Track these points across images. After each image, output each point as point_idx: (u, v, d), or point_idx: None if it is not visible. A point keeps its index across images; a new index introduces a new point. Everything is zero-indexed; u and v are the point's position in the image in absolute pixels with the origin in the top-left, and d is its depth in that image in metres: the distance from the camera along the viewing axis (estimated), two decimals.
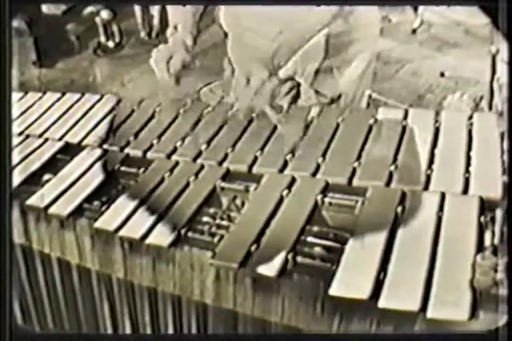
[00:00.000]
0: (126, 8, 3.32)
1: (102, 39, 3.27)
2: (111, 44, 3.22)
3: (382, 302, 0.98)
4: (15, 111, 1.73)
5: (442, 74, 2.84)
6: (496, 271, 1.01)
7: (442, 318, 0.95)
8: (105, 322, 1.34)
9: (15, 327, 1.66)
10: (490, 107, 2.29)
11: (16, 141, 1.59)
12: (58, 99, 1.78)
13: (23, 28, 3.39)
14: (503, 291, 0.99)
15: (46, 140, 1.58)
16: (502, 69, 2.31)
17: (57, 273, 1.39)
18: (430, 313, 0.96)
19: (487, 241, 1.07)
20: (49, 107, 1.73)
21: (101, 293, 1.31)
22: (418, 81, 2.69)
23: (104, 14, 3.25)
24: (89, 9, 3.30)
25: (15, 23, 3.45)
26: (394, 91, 2.61)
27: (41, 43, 3.25)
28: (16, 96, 1.83)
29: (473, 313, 0.95)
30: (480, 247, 1.05)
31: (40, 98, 1.80)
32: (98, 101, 1.74)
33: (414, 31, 3.39)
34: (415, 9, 3.39)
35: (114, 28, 3.29)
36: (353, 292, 1.00)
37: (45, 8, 3.67)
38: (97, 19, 3.30)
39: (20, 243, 1.41)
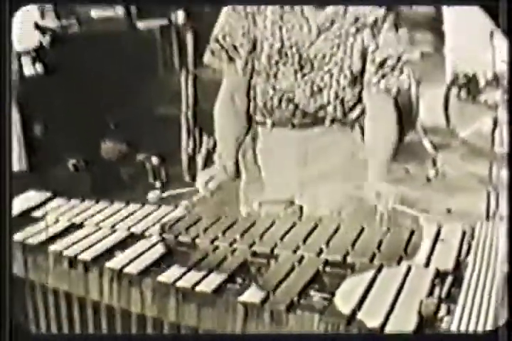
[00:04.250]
0: (175, 155, 4.14)
1: (150, 180, 4.04)
2: (158, 184, 3.98)
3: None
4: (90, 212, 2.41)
5: (449, 211, 3.47)
6: (438, 309, 1.61)
7: (395, 331, 1.54)
8: None
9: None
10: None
11: (89, 230, 2.26)
12: (124, 207, 2.47)
13: (81, 166, 4.19)
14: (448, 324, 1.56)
15: (115, 230, 2.25)
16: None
17: (120, 323, 1.99)
18: (387, 329, 1.55)
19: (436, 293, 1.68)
20: (118, 210, 2.42)
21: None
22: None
23: (155, 161, 4.06)
24: (142, 156, 4.10)
25: (74, 161, 4.25)
26: None
27: (96, 179, 4.02)
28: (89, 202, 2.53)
29: (418, 330, 1.54)
30: (429, 295, 1.66)
31: (110, 205, 2.50)
32: (156, 209, 2.43)
33: (428, 180, 4.08)
34: (434, 162, 4.11)
35: (162, 172, 4.08)
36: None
37: (104, 154, 4.49)
38: (148, 164, 4.11)
39: (93, 299, 2.03)
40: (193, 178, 4.34)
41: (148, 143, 4.51)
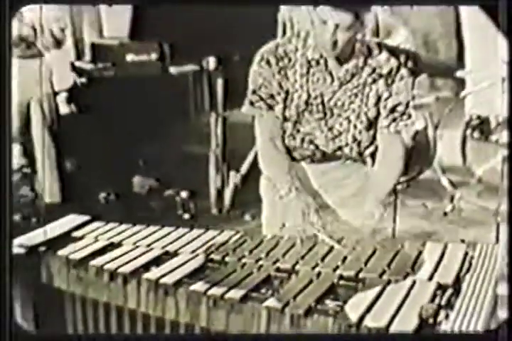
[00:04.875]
0: (203, 189, 4.50)
1: (179, 212, 4.38)
2: (186, 216, 4.32)
3: (367, 322, 1.86)
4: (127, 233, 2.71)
5: (463, 241, 3.73)
6: (436, 313, 1.88)
7: (398, 330, 1.82)
8: None
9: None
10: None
11: (127, 248, 2.56)
12: (159, 229, 2.77)
13: (112, 199, 4.56)
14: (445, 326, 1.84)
15: (152, 248, 2.55)
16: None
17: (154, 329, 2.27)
18: (392, 328, 1.83)
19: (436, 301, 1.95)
20: (154, 232, 2.73)
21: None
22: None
23: (184, 194, 4.41)
24: (170, 191, 4.47)
25: (104, 194, 4.62)
26: None
27: (127, 212, 4.35)
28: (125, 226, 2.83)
29: (419, 329, 1.82)
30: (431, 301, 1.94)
31: (146, 228, 2.80)
32: (189, 231, 2.73)
33: (445, 214, 4.38)
34: (451, 198, 4.43)
35: (191, 204, 4.42)
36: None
37: (136, 188, 4.87)
38: (177, 198, 4.46)
39: (131, 308, 2.32)
40: (220, 211, 4.66)
41: (178, 178, 4.87)
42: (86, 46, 5.95)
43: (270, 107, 2.65)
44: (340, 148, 2.70)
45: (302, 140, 2.69)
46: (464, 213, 4.30)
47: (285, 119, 2.67)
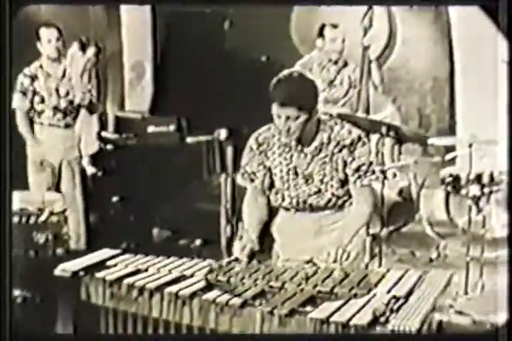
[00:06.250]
0: (215, 239, 5.25)
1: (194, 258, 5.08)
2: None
3: (334, 318, 2.55)
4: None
5: None
6: (389, 314, 2.56)
7: (355, 323, 2.50)
8: None
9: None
10: None
11: (152, 272, 3.23)
12: (178, 259, 3.46)
13: (132, 248, 5.27)
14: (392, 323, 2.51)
15: (172, 272, 3.24)
16: None
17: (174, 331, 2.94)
18: (352, 322, 2.51)
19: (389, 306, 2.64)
20: (173, 261, 3.41)
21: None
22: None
23: (198, 243, 5.13)
24: (185, 241, 5.22)
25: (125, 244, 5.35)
26: None
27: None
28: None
29: (372, 324, 2.50)
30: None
31: (167, 258, 3.49)
32: (202, 261, 3.41)
33: (431, 260, 5.08)
34: (437, 247, 5.13)
35: (204, 252, 5.13)
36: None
37: (155, 238, 5.61)
38: (192, 246, 5.18)
39: (154, 317, 2.99)
40: (236, 260, 5.35)
41: (194, 230, 5.63)
42: (109, 118, 6.88)
43: (252, 180, 3.58)
44: (327, 202, 3.47)
45: (297, 202, 3.52)
46: (448, 259, 5.00)
47: (276, 187, 3.53)
